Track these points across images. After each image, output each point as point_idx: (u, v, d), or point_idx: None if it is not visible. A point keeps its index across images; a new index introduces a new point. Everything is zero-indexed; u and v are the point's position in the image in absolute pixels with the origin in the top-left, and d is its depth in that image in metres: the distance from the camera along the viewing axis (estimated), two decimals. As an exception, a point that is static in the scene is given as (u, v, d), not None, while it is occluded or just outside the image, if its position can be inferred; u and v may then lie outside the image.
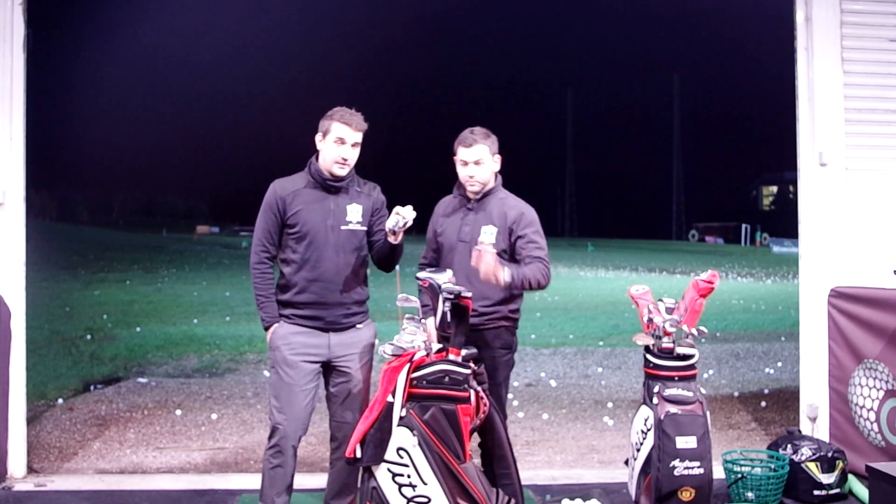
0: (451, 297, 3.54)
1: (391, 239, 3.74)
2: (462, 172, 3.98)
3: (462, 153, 3.95)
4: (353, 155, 3.80)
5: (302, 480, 4.82)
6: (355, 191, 3.87)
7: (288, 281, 3.80)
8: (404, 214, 3.66)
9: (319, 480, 4.28)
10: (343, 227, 3.79)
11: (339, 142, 3.76)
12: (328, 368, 3.84)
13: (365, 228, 3.86)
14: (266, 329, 3.83)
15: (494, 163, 4.00)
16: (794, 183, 5.54)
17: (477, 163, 3.93)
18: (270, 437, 3.79)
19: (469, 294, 3.57)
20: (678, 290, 4.64)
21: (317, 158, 3.84)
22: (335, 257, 3.76)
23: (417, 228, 4.05)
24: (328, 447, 4.01)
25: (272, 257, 3.83)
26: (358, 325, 3.87)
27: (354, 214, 3.82)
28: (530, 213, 3.97)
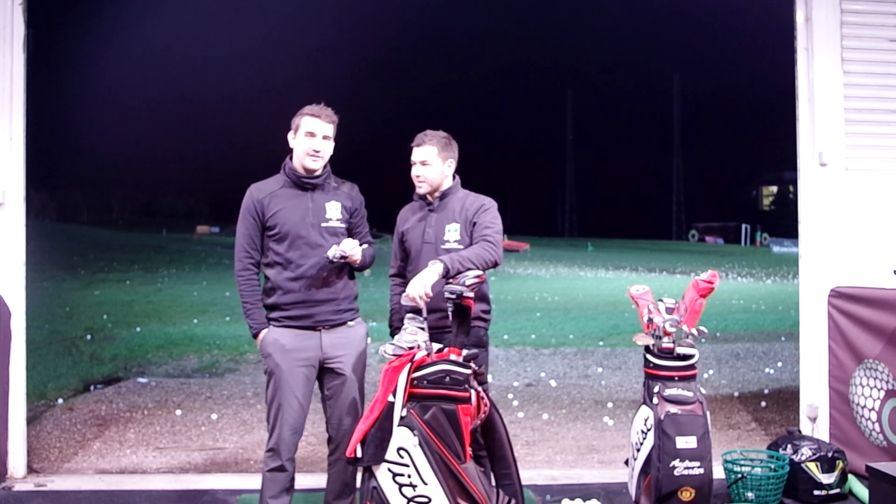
0: (453, 297, 3.53)
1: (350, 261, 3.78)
2: (412, 172, 4.02)
3: (413, 153, 4.01)
4: (325, 147, 3.79)
5: (302, 480, 4.82)
6: (332, 188, 3.86)
7: (273, 283, 3.78)
8: (343, 248, 3.68)
9: (319, 480, 4.28)
10: (323, 225, 3.79)
11: (310, 135, 3.76)
12: (322, 370, 3.83)
13: (345, 226, 3.86)
14: (254, 336, 3.82)
15: (446, 166, 4.01)
16: (794, 183, 5.54)
17: (423, 163, 3.96)
18: (268, 441, 3.80)
19: (471, 294, 3.57)
20: (678, 290, 4.65)
21: (290, 158, 3.83)
22: (317, 255, 3.74)
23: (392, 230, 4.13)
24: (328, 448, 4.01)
25: (256, 263, 3.81)
26: (349, 323, 3.86)
27: (333, 212, 3.82)
28: (488, 203, 4.00)
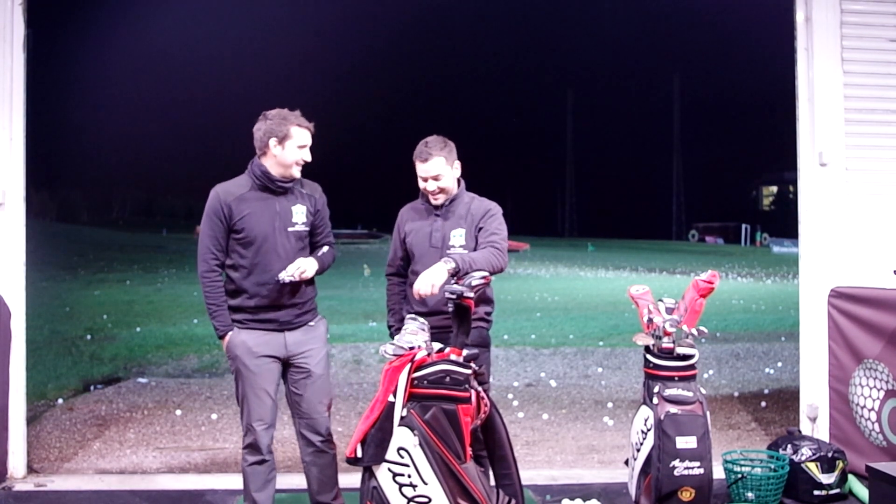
0: (454, 296, 3.53)
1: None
2: (423, 186, 3.99)
3: (420, 168, 3.95)
4: (309, 157, 3.84)
5: (300, 481, 4.83)
6: (299, 191, 3.88)
7: (238, 286, 3.81)
8: (293, 273, 3.71)
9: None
10: (290, 230, 3.81)
11: (302, 147, 3.78)
12: (287, 366, 3.87)
13: (308, 229, 3.88)
14: (220, 338, 3.85)
15: (455, 170, 3.99)
16: (794, 183, 5.55)
17: (436, 178, 3.93)
18: (244, 437, 3.86)
19: (472, 295, 3.57)
20: (678, 290, 4.64)
21: (259, 159, 3.82)
22: (284, 260, 3.77)
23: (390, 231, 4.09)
24: None
25: (221, 264, 3.83)
26: (311, 323, 3.91)
27: (299, 216, 3.84)
28: (494, 209, 4.01)
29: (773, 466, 4.46)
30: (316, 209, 3.91)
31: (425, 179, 3.96)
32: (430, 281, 3.61)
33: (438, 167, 3.92)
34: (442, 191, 3.97)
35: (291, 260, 3.78)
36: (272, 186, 3.79)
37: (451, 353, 3.54)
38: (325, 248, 3.95)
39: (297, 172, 3.82)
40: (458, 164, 4.01)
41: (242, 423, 3.87)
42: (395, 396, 3.45)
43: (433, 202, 4.01)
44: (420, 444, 3.43)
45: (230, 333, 3.81)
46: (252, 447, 3.83)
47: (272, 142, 3.76)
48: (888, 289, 4.78)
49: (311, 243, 3.93)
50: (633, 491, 4.14)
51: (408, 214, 4.14)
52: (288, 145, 3.76)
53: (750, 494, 4.30)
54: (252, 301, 3.79)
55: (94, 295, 18.42)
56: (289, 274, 3.72)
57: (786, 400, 7.39)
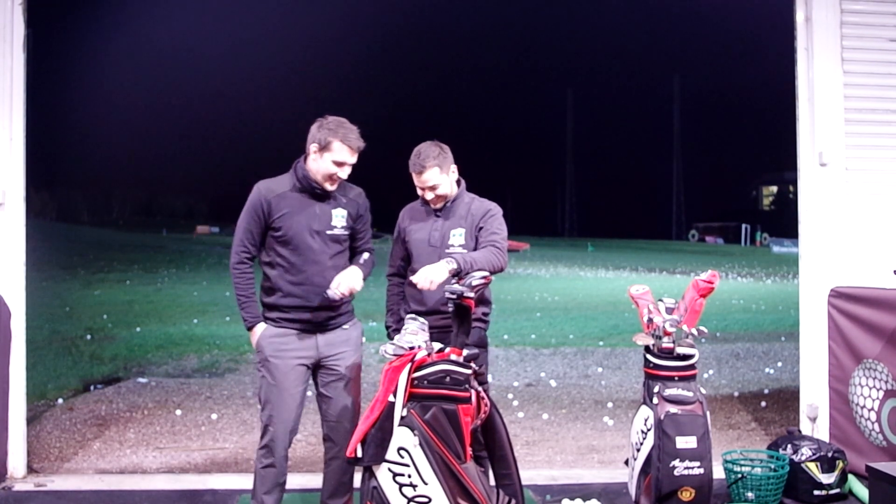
0: (454, 296, 3.54)
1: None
2: (421, 194, 4.01)
3: (416, 180, 3.97)
4: (347, 174, 3.80)
5: (302, 480, 4.84)
6: (341, 196, 3.86)
7: (273, 284, 3.80)
8: (342, 290, 3.68)
9: (318, 480, 4.28)
10: (328, 232, 3.79)
11: (338, 164, 3.74)
12: (318, 367, 3.85)
13: (348, 233, 3.87)
14: (249, 329, 3.84)
15: (452, 175, 3.99)
16: (794, 183, 5.55)
17: (433, 188, 3.94)
18: (261, 438, 3.83)
19: (472, 295, 3.57)
20: (678, 290, 4.65)
21: (304, 161, 3.80)
22: (320, 262, 3.76)
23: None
24: None
25: (252, 258, 3.83)
26: (345, 326, 3.89)
27: (339, 220, 3.82)
28: (494, 209, 4.02)
29: (773, 466, 4.46)
30: (358, 214, 3.89)
31: (423, 189, 3.98)
32: (429, 277, 3.61)
33: (434, 177, 3.92)
34: (440, 198, 3.98)
35: (328, 262, 3.77)
36: (312, 190, 3.78)
37: (451, 353, 3.54)
38: (366, 255, 3.92)
39: (329, 186, 3.77)
40: (454, 167, 4.00)
41: (261, 420, 3.83)
42: (395, 396, 3.45)
43: (434, 206, 4.03)
44: (420, 444, 3.43)
45: (258, 326, 3.80)
46: (268, 448, 3.79)
47: (313, 147, 3.74)
48: (888, 289, 4.78)
49: (350, 248, 3.91)
50: (633, 491, 4.14)
51: (408, 215, 4.15)
52: (325, 157, 3.72)
53: (750, 494, 4.30)
54: (287, 300, 3.77)
55: (94, 295, 18.43)
56: (339, 292, 3.68)
57: (786, 400, 7.39)
